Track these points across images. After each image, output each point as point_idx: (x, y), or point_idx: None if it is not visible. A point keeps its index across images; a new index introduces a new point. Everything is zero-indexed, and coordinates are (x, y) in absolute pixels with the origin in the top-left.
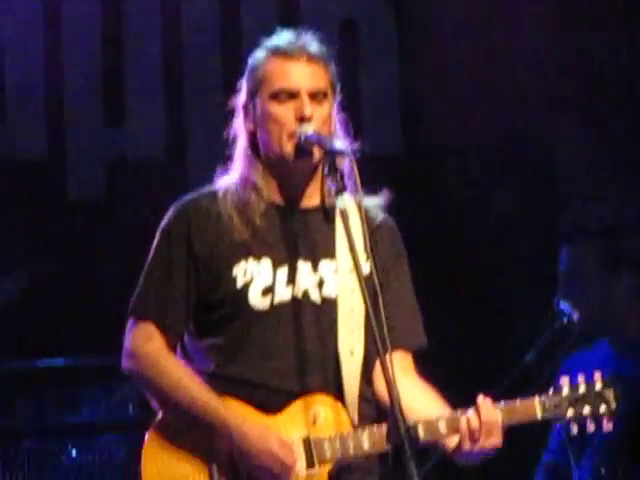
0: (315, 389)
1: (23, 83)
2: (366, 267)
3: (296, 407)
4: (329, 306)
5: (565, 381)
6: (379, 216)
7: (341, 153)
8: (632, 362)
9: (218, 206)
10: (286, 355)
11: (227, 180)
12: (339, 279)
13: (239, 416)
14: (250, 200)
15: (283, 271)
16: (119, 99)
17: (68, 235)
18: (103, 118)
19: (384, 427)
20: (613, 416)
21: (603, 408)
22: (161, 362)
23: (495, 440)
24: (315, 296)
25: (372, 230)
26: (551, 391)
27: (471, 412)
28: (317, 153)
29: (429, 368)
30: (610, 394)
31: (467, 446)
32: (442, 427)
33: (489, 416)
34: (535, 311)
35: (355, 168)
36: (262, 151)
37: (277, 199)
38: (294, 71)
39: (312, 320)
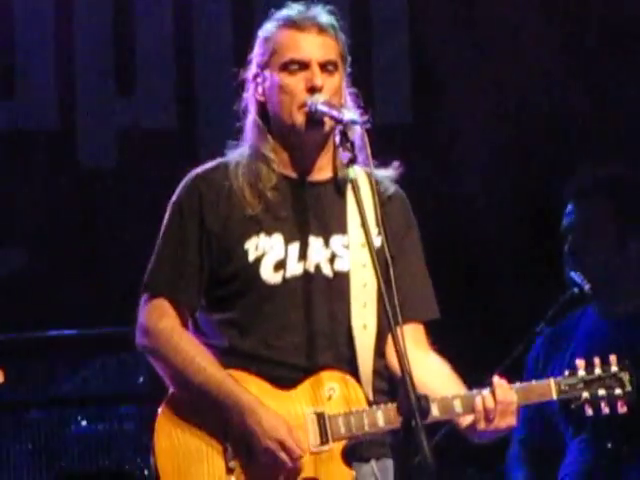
0: (329, 364)
1: (34, 53)
2: (377, 240)
3: (309, 383)
4: (341, 280)
5: (581, 363)
6: (390, 188)
7: (352, 123)
8: (625, 330)
9: (230, 179)
10: (299, 330)
11: (238, 152)
12: (351, 253)
13: (252, 397)
14: (261, 173)
15: (295, 246)
16: (130, 68)
17: (80, 204)
18: (114, 87)
19: (397, 404)
20: (628, 399)
21: (618, 391)
22: (175, 339)
23: (510, 420)
24: (327, 270)
25: (383, 202)
26: (567, 372)
27: (487, 392)
28: (328, 123)
29: (439, 341)
30: (626, 377)
31: (482, 425)
32: (457, 406)
33: (505, 396)
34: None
35: (366, 139)
36: (273, 123)
37: (288, 171)
38: (305, 42)
39: (324, 294)
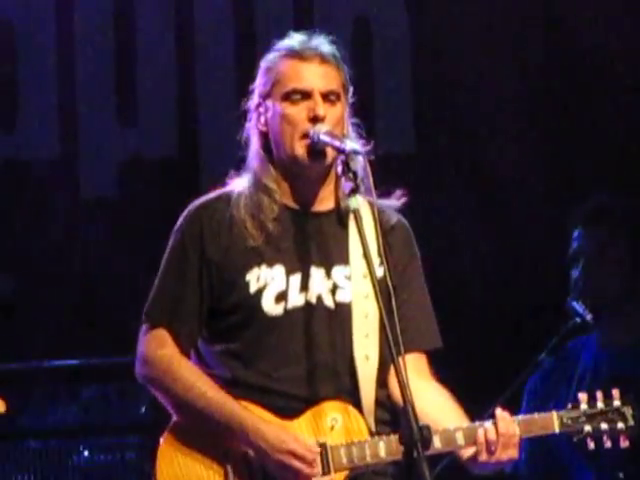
0: (330, 395)
1: (35, 84)
2: (379, 270)
3: (311, 413)
4: (343, 311)
5: (583, 397)
6: (393, 217)
7: (355, 153)
8: (627, 362)
9: (231, 210)
10: (301, 361)
11: (240, 183)
12: (353, 284)
13: (254, 416)
14: (263, 204)
15: (296, 278)
16: (132, 99)
17: (81, 234)
18: (116, 118)
19: (399, 435)
20: (631, 433)
21: (621, 425)
22: (174, 366)
23: (512, 452)
24: (329, 301)
25: (385, 231)
26: (569, 406)
27: (489, 424)
28: (330, 154)
29: (443, 369)
30: (629, 411)
31: (483, 457)
32: (459, 438)
33: (507, 429)
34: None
35: (369, 169)
36: (275, 153)
37: (290, 202)
38: (307, 72)
39: (326, 325)
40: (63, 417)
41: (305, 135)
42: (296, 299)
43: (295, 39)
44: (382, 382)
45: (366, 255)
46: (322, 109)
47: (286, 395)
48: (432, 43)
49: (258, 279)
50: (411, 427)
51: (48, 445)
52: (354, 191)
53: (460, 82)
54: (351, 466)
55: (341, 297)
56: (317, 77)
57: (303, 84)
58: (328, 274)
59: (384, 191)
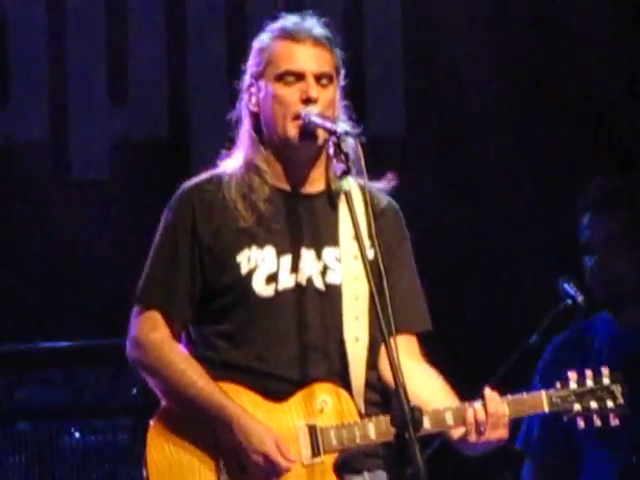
0: (320, 377)
1: (27, 67)
2: (370, 252)
3: (302, 395)
4: (333, 293)
5: (573, 375)
6: (383, 200)
7: (346, 135)
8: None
9: (222, 192)
10: (291, 343)
11: (231, 164)
12: (343, 266)
13: (241, 411)
14: (254, 185)
15: (287, 259)
16: (123, 80)
17: (72, 215)
18: (107, 99)
19: (390, 416)
20: (620, 412)
21: (610, 403)
22: (165, 352)
23: (501, 433)
24: (319, 283)
25: (376, 214)
26: (558, 385)
27: (478, 404)
28: (321, 136)
29: (432, 351)
30: (618, 389)
31: (473, 438)
32: (449, 418)
33: (496, 409)
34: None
35: (360, 151)
36: (266, 134)
37: (281, 184)
38: (300, 53)
39: (316, 307)
40: (54, 399)
41: (297, 116)
42: (287, 280)
43: (288, 20)
44: (372, 364)
45: (357, 236)
46: (315, 91)
47: (276, 377)
48: (424, 26)
49: (249, 260)
50: (402, 409)
51: (39, 427)
52: (346, 173)
53: (450, 64)
54: (341, 448)
55: (331, 279)
56: (310, 59)
57: (296, 66)
58: (318, 255)
59: (375, 174)
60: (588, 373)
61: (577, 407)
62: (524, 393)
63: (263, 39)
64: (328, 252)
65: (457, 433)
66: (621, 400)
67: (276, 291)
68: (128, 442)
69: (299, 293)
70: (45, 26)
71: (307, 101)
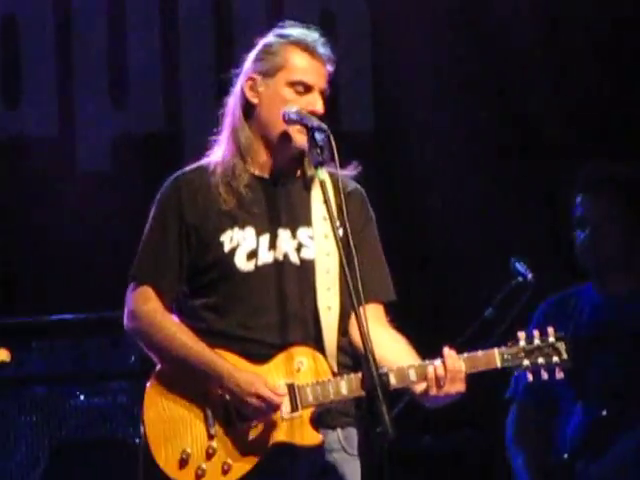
0: (297, 341)
1: (37, 70)
2: (340, 231)
3: (281, 358)
4: (308, 267)
5: (522, 335)
6: (349, 185)
7: (320, 130)
8: (619, 309)
9: (207, 178)
10: (272, 312)
11: (216, 154)
12: (316, 243)
13: (230, 364)
14: (236, 172)
15: (265, 238)
16: (123, 82)
17: (78, 201)
18: (108, 99)
19: (360, 375)
20: (565, 366)
21: (556, 359)
22: (158, 319)
23: (459, 387)
24: (294, 258)
25: (344, 197)
26: (509, 343)
27: (438, 361)
28: (297, 140)
29: (398, 323)
30: (562, 346)
31: (434, 392)
32: (412, 375)
33: (454, 365)
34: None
35: (333, 143)
36: (258, 124)
37: (262, 172)
38: (315, 69)
39: (293, 280)
40: (62, 366)
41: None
42: (265, 257)
43: (308, 34)
44: (343, 330)
45: (330, 217)
46: (320, 106)
47: (259, 342)
48: (390, 34)
49: (231, 240)
50: (372, 373)
51: (48, 390)
52: (321, 164)
53: (414, 67)
54: (317, 403)
55: (306, 254)
56: (321, 77)
57: (310, 79)
58: (294, 234)
59: (343, 163)
60: (535, 333)
61: (526, 362)
62: (479, 351)
63: (275, 41)
64: (302, 231)
65: (420, 388)
66: (565, 356)
67: (256, 266)
68: (127, 403)
69: (277, 267)
70: (53, 37)
71: (312, 114)
